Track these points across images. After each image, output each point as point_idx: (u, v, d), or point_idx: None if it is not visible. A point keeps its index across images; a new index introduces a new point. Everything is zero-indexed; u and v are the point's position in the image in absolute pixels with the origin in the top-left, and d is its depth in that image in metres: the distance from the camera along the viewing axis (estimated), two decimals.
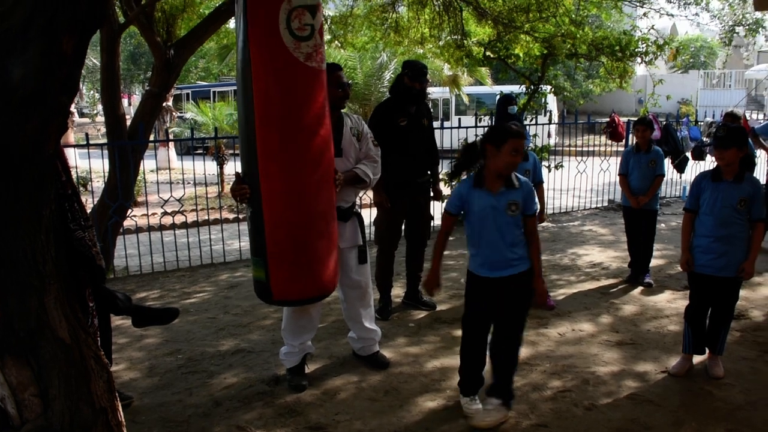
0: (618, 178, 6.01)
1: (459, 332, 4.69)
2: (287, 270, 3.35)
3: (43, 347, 2.15)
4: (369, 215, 7.63)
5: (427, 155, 5.17)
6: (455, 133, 8.56)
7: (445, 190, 8.65)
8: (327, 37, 10.10)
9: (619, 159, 6.06)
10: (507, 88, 11.64)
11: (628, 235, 6.05)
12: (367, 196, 8.01)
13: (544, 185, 5.53)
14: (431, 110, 5.84)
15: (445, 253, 7.00)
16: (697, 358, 4.08)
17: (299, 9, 3.09)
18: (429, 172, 5.28)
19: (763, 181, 8.81)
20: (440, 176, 5.49)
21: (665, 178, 5.99)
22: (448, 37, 9.34)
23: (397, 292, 5.35)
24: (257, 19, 3.09)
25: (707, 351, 4.03)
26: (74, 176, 10.21)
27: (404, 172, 4.96)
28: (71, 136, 18.78)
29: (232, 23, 8.29)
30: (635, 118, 10.50)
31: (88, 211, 6.83)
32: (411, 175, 5.02)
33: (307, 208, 3.32)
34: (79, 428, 2.21)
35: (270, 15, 3.06)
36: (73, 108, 19.31)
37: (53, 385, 2.17)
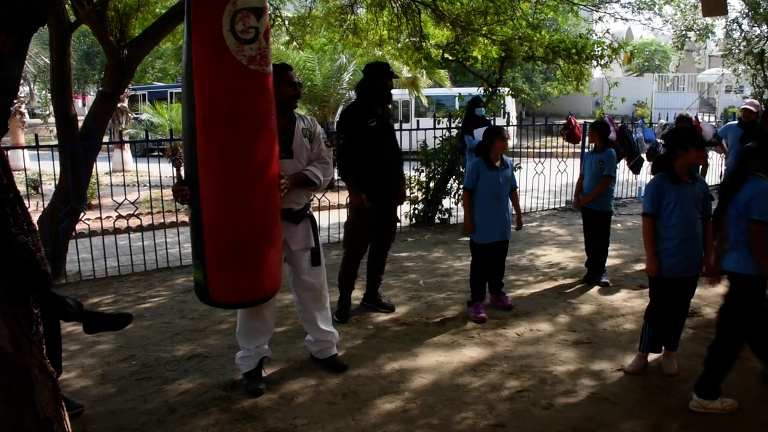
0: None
1: (417, 334, 4.71)
2: (225, 272, 3.32)
3: None
4: (327, 218, 7.59)
5: (395, 156, 5.14)
6: (414, 135, 8.58)
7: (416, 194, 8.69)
8: (285, 38, 10.04)
9: (576, 160, 6.18)
10: (465, 90, 11.74)
11: (586, 236, 6.13)
12: (327, 198, 7.96)
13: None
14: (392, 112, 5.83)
15: (404, 254, 7.05)
16: (651, 356, 4.14)
17: (244, 11, 3.06)
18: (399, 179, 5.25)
19: (716, 181, 9.02)
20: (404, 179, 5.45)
21: (620, 179, 6.09)
22: (407, 40, 9.34)
23: (356, 294, 5.30)
24: (201, 20, 3.06)
25: (663, 348, 4.10)
26: (25, 179, 9.92)
27: (374, 174, 4.93)
28: (21, 137, 18.31)
29: None
30: (592, 120, 10.69)
31: (39, 214, 6.69)
32: (381, 176, 4.98)
33: (247, 211, 3.29)
34: None
35: (214, 16, 3.03)
36: (23, 108, 18.86)
37: None
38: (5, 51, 1.82)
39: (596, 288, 5.79)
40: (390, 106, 5.17)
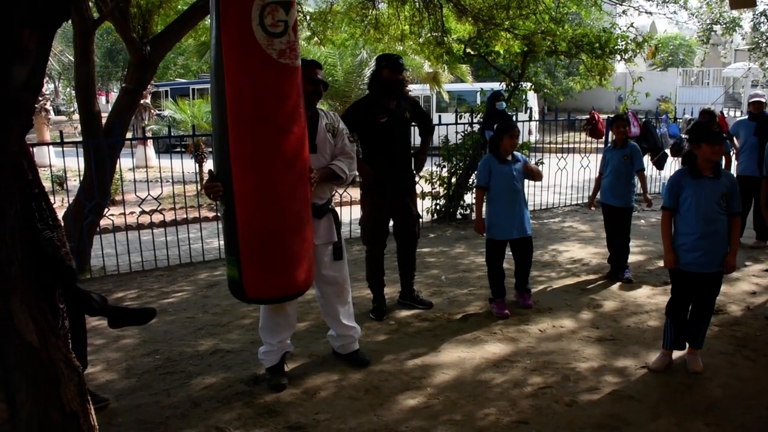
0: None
1: (439, 329, 4.70)
2: (260, 268, 3.32)
3: (9, 351, 2.09)
4: (350, 213, 7.60)
5: (409, 153, 5.10)
6: (436, 130, 8.53)
7: (426, 187, 8.68)
8: (306, 33, 10.03)
9: (599, 156, 6.11)
10: (488, 85, 11.66)
11: (607, 232, 6.07)
12: (349, 194, 7.96)
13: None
14: (417, 102, 5.77)
15: (426, 250, 7.03)
16: (676, 353, 4.09)
17: (272, 5, 3.05)
18: (414, 170, 5.23)
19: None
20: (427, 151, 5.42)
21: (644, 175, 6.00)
22: (428, 34, 9.30)
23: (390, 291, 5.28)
24: (230, 15, 3.05)
25: (687, 346, 4.04)
26: (50, 175, 10.03)
27: (387, 171, 4.91)
28: (47, 134, 18.55)
29: (209, 19, 8.20)
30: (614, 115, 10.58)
31: (64, 210, 6.77)
32: (395, 173, 4.96)
33: (281, 207, 3.28)
34: None
35: (243, 11, 3.02)
36: (48, 106, 19.08)
37: (21, 390, 2.10)
38: (29, 47, 1.83)
39: (619, 284, 5.72)
40: (407, 100, 5.12)
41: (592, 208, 6.77)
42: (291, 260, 3.38)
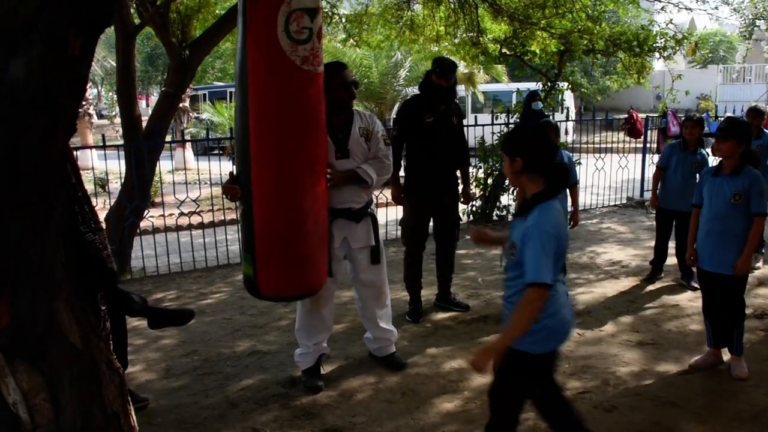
0: (654, 171, 5.88)
1: (476, 332, 4.67)
2: (274, 267, 3.38)
3: (53, 352, 2.13)
4: (385, 214, 7.60)
5: (455, 155, 5.09)
6: (471, 131, 8.48)
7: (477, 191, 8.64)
8: (342, 36, 10.07)
9: (638, 156, 5.96)
10: (524, 86, 11.56)
11: (660, 235, 5.81)
12: (385, 195, 7.95)
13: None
14: (461, 109, 5.78)
15: (462, 252, 6.99)
16: (725, 357, 4.00)
17: (298, 12, 3.08)
18: (458, 173, 5.22)
19: None
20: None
21: None
22: (464, 35, 9.25)
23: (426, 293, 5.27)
24: (256, 20, 3.10)
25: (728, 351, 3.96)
26: (92, 178, 10.21)
27: (429, 171, 4.90)
28: (90, 137, 18.93)
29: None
30: (654, 114, 10.38)
31: (106, 212, 6.90)
32: (436, 174, 4.94)
33: (298, 208, 3.34)
34: None
35: (269, 17, 3.06)
36: (92, 110, 19.49)
37: (64, 390, 2.14)
38: (74, 52, 1.87)
39: (660, 287, 5.62)
40: (459, 103, 5.12)
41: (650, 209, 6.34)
42: (305, 260, 3.44)
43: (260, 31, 3.09)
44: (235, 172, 3.44)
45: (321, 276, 3.58)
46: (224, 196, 3.54)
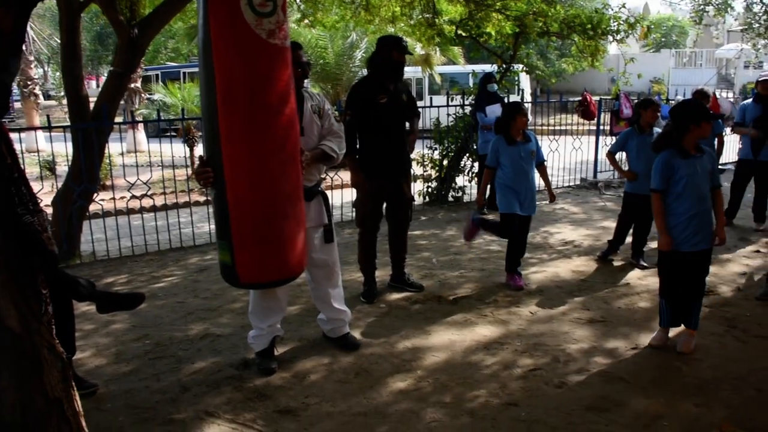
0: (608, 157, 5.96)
1: (430, 312, 4.70)
2: (252, 252, 3.27)
3: None
4: (341, 197, 7.57)
5: (407, 133, 5.08)
6: (428, 112, 8.50)
7: (418, 170, 8.65)
8: (296, 15, 9.94)
9: (591, 138, 6.03)
10: (479, 67, 11.60)
11: (626, 220, 5.82)
12: (340, 177, 7.92)
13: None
14: (410, 86, 5.77)
15: (417, 233, 7.02)
16: (672, 332, 4.12)
17: None
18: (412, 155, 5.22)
19: (732, 158, 8.79)
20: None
21: None
22: (420, 16, 9.22)
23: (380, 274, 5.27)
24: None
25: (683, 326, 4.07)
26: (39, 160, 9.96)
27: (384, 153, 4.88)
28: (36, 118, 18.39)
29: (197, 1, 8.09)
30: (607, 97, 10.52)
31: (53, 195, 6.72)
32: (391, 155, 4.93)
33: (272, 190, 3.24)
34: (33, 420, 2.13)
35: None
36: (38, 90, 18.89)
37: (3, 376, 2.08)
38: (4, 27, 1.79)
39: (610, 266, 5.73)
40: (402, 82, 5.09)
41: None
42: (284, 243, 3.33)
43: (223, 6, 2.97)
44: (204, 157, 3.33)
45: (301, 259, 3.48)
46: (198, 182, 3.37)
